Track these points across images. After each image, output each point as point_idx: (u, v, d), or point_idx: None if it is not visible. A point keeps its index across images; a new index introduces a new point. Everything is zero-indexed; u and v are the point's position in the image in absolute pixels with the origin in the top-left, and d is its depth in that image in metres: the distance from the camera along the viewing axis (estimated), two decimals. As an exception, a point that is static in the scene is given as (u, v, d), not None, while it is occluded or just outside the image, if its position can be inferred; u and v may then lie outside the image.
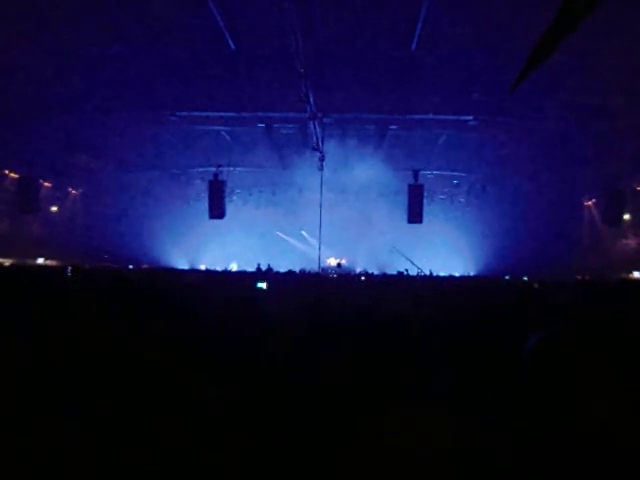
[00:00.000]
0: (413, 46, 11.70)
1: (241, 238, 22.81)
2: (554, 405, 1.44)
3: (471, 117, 15.07)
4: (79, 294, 4.51)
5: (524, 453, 1.39)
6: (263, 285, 6.29)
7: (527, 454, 1.38)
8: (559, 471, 1.31)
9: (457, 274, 18.91)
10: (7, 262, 15.28)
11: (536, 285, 10.01)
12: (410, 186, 18.60)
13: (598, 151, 15.99)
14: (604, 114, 13.72)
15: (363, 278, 13.52)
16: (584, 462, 1.29)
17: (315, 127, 15.13)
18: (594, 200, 20.19)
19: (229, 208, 19.92)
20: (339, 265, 22.77)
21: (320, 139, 15.96)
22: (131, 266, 17.08)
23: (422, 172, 19.08)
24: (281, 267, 17.42)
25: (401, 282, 10.79)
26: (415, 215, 18.69)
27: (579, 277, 14.45)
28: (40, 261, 18.79)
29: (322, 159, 16.75)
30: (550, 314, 3.82)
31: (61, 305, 3.86)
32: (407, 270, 18.18)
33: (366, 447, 1.64)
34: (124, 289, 5.59)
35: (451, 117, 15.36)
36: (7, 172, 18.09)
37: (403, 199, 19.11)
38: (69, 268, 7.51)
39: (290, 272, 13.49)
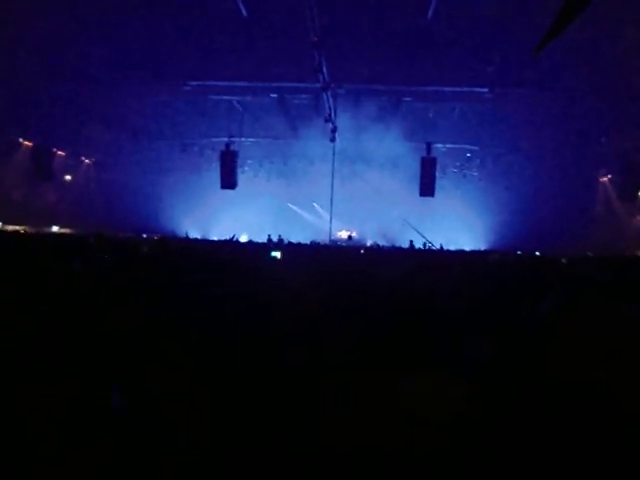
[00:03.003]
0: (429, 15, 11.45)
1: (252, 209, 22.82)
2: (561, 362, 1.51)
3: (486, 89, 14.81)
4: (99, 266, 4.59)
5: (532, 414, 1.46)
6: (277, 254, 6.30)
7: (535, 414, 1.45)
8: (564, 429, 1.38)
9: (468, 248, 18.85)
10: (22, 229, 15.52)
11: (548, 260, 9.99)
12: (423, 159, 18.41)
13: (615, 126, 15.71)
14: (622, 88, 13.41)
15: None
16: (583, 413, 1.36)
17: (328, 98, 14.96)
18: (610, 176, 19.90)
19: (240, 179, 19.90)
20: (350, 237, 22.79)
21: (333, 110, 15.80)
22: (145, 235, 17.24)
23: (435, 145, 18.85)
24: (292, 239, 17.47)
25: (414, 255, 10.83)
26: (427, 188, 18.55)
27: (590, 254, 14.38)
28: (54, 229, 19.03)
29: (334, 130, 16.60)
30: (561, 286, 3.85)
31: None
32: (411, 241, 18.15)
33: (380, 410, 1.71)
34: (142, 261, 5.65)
35: (466, 89, 15.11)
36: (22, 140, 18.20)
37: (415, 172, 18.95)
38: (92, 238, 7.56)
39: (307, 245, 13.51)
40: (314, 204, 24.71)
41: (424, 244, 16.32)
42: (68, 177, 21.31)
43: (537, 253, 13.59)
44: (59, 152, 20.01)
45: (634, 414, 1.45)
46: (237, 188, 19.48)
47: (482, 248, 20.40)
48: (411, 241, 18.15)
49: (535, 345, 1.64)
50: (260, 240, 18.04)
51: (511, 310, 2.40)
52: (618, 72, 12.77)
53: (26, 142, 18.33)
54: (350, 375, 1.94)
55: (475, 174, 22.33)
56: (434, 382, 1.81)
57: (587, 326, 1.61)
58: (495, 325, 2.19)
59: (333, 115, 15.92)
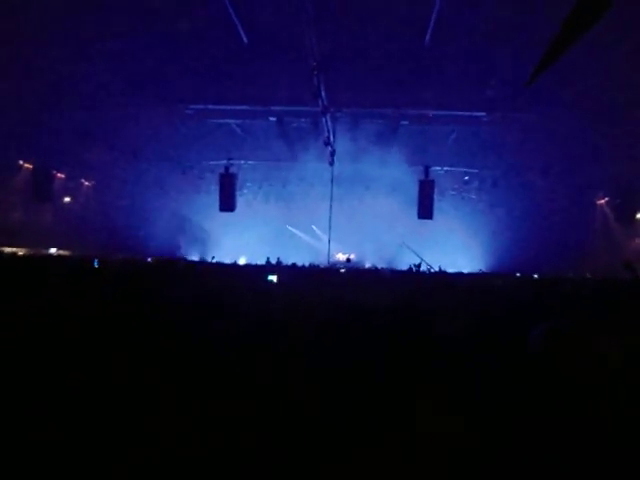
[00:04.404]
0: (426, 41, 11.66)
1: (250, 232, 22.86)
2: (556, 389, 1.48)
3: (484, 113, 14.98)
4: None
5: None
6: (274, 278, 6.24)
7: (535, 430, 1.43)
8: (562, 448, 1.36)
9: (466, 271, 18.82)
10: (21, 251, 15.46)
11: (546, 282, 9.97)
12: (421, 182, 18.53)
13: (611, 148, 15.86)
14: (618, 111, 13.58)
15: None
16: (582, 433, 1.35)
17: (327, 121, 15.12)
18: (607, 198, 20.02)
19: (239, 201, 19.98)
20: (348, 260, 22.74)
21: (332, 133, 15.96)
22: (149, 259, 17.18)
23: (433, 168, 18.99)
24: (290, 261, 17.43)
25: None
26: (425, 211, 18.64)
27: (589, 275, 14.37)
28: (52, 251, 18.98)
29: (333, 153, 16.74)
30: (557, 310, 3.84)
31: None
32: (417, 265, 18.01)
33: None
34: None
35: (464, 113, 15.28)
36: (22, 163, 18.31)
37: (414, 194, 19.04)
38: (96, 260, 7.59)
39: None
40: (313, 227, 24.76)
41: (418, 265, 16.29)
42: (67, 199, 21.37)
43: (535, 276, 13.59)
44: (59, 174, 20.10)
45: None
46: (236, 210, 19.54)
47: (481, 270, 20.36)
48: (417, 265, 18.03)
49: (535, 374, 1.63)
50: (259, 262, 18.04)
51: (510, 334, 2.38)
52: (615, 97, 12.95)
53: (26, 164, 18.43)
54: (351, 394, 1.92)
55: (473, 197, 22.45)
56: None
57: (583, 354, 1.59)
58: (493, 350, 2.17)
59: (332, 138, 16.07)
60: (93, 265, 7.58)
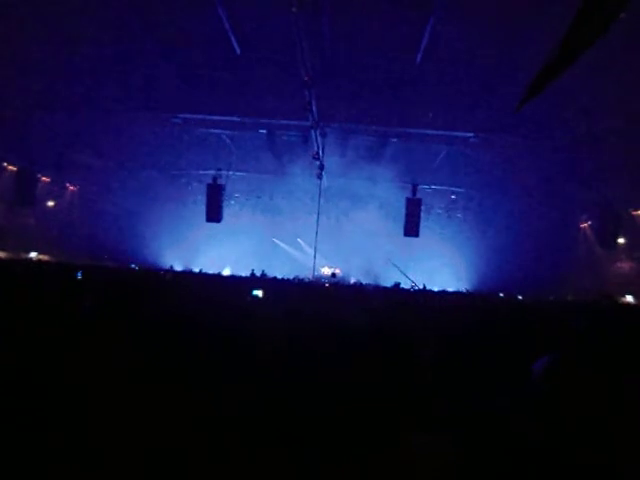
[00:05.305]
0: (418, 60, 11.80)
1: (236, 243, 22.72)
2: (568, 418, 1.45)
3: (472, 134, 15.12)
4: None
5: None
6: (259, 293, 6.10)
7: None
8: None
9: (451, 289, 18.86)
10: (1, 254, 15.18)
11: (529, 304, 10.03)
12: (408, 199, 18.62)
13: (595, 173, 16.11)
14: (602, 136, 13.82)
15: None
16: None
17: (316, 136, 15.14)
18: (590, 222, 20.27)
19: (226, 212, 19.88)
20: (333, 275, 22.70)
21: (321, 148, 15.97)
22: (134, 265, 16.99)
23: (420, 186, 19.10)
24: (276, 274, 17.36)
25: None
26: (412, 228, 18.69)
27: (570, 298, 14.51)
28: (33, 255, 18.67)
29: (322, 168, 16.74)
30: (546, 335, 3.83)
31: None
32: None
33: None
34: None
35: (452, 133, 15.42)
36: (6, 165, 18.02)
37: (400, 211, 19.12)
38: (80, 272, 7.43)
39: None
40: (299, 240, 24.72)
41: (397, 284, 16.32)
42: (51, 203, 21.08)
43: (520, 297, 13.65)
44: (43, 178, 19.82)
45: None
46: (222, 221, 19.44)
47: (466, 289, 20.42)
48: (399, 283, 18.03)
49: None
50: (244, 274, 17.91)
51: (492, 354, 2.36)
52: (600, 122, 13.19)
53: (10, 166, 18.15)
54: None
55: (459, 216, 22.59)
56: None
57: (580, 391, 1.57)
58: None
59: (321, 153, 16.08)
60: (76, 277, 7.42)
